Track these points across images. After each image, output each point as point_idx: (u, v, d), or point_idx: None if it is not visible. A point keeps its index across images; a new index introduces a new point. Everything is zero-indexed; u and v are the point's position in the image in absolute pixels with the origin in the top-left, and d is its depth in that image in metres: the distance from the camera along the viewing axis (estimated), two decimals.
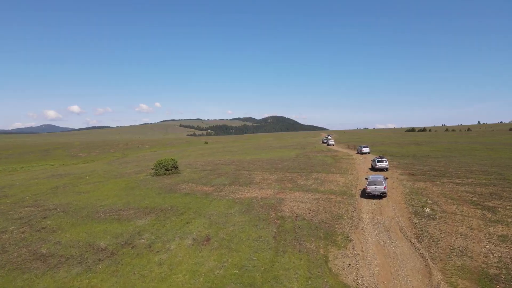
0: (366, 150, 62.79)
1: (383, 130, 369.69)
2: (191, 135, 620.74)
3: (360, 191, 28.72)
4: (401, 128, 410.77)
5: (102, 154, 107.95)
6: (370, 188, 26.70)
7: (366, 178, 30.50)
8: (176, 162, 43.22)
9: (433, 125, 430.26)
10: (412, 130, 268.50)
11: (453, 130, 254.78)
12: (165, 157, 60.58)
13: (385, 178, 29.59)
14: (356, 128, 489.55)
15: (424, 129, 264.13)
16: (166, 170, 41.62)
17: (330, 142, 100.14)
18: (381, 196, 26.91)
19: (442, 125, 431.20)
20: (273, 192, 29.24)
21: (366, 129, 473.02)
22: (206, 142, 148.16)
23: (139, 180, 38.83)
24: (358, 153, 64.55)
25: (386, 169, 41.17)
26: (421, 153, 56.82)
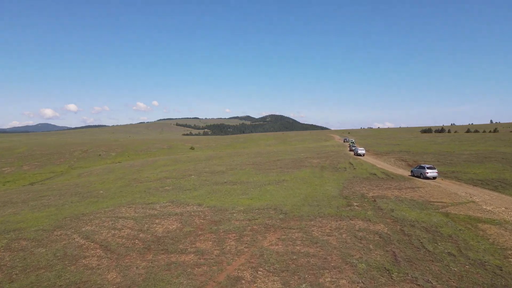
0: (432, 173, 37.37)
1: (392, 129, 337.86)
2: (187, 135, 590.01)
3: None
4: (410, 128, 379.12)
5: (40, 168, 75.26)
6: None
7: None
8: None
9: (441, 124, 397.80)
10: (428, 130, 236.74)
11: (476, 131, 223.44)
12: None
13: None
14: (360, 128, 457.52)
15: (442, 130, 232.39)
16: None
17: (359, 151, 68.88)
18: None
19: (452, 124, 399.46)
20: None
21: (370, 128, 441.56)
22: (192, 148, 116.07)
23: None
24: (415, 176, 39.51)
25: None
26: None
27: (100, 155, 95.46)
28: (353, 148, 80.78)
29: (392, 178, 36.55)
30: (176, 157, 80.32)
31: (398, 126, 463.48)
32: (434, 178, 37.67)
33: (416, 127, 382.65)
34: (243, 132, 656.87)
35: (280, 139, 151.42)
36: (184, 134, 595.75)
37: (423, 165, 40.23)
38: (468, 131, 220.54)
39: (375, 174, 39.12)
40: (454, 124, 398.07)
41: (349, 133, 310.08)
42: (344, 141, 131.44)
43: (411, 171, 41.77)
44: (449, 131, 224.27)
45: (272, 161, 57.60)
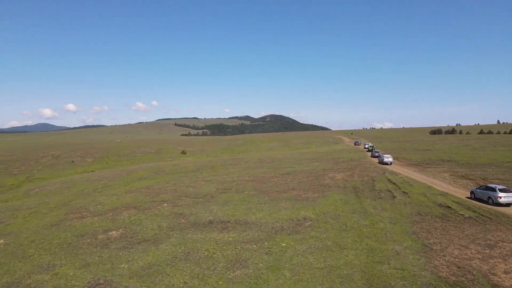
0: (508, 198, 25.29)
1: (397, 130, 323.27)
2: (186, 135, 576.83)
3: None
4: (414, 128, 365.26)
5: None
6: None
7: None
8: None
9: (444, 124, 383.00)
10: (438, 131, 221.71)
11: (490, 132, 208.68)
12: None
13: None
14: (362, 128, 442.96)
15: (453, 130, 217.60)
16: None
17: (385, 160, 54.86)
18: None
19: (457, 124, 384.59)
20: None
21: (373, 128, 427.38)
22: (183, 152, 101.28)
23: None
24: (477, 199, 27.69)
25: None
26: None
27: (73, 161, 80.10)
28: (376, 155, 66.17)
29: (490, 218, 21.77)
30: (160, 166, 65.47)
31: (401, 127, 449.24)
32: (508, 205, 25.74)
33: (420, 128, 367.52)
34: (243, 132, 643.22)
35: (283, 142, 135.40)
36: (182, 134, 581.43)
37: (491, 185, 27.31)
38: (481, 132, 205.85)
39: (449, 208, 24.42)
40: (459, 124, 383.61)
41: (352, 133, 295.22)
42: (355, 144, 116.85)
43: (472, 193, 28.95)
44: (460, 132, 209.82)
45: (280, 176, 42.87)
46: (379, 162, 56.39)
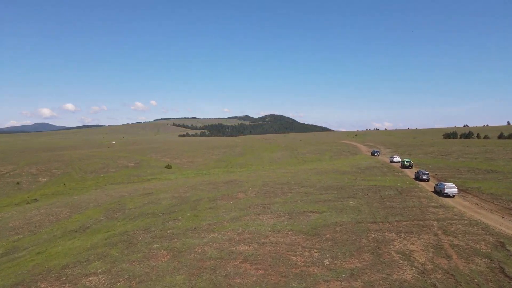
0: None
1: (404, 132, 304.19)
2: (184, 135, 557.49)
3: None
4: (420, 130, 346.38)
5: None
6: None
7: None
8: None
9: (450, 125, 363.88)
10: (453, 134, 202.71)
11: (511, 135, 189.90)
12: None
13: None
14: (366, 129, 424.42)
15: (469, 133, 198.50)
16: None
17: (447, 190, 35.81)
18: None
19: (464, 125, 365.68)
20: None
21: (377, 130, 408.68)
22: (168, 166, 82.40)
23: None
24: None
25: None
26: None
27: (18, 183, 60.81)
28: (425, 177, 47.50)
29: None
30: (126, 197, 46.06)
31: (406, 128, 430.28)
32: None
33: (429, 129, 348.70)
34: (242, 133, 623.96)
35: (289, 150, 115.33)
36: (180, 135, 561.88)
37: None
38: (501, 135, 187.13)
39: None
40: (467, 125, 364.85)
41: (356, 135, 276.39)
42: (372, 154, 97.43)
43: None
44: (478, 136, 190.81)
45: (304, 241, 23.80)
46: (436, 192, 37.68)
